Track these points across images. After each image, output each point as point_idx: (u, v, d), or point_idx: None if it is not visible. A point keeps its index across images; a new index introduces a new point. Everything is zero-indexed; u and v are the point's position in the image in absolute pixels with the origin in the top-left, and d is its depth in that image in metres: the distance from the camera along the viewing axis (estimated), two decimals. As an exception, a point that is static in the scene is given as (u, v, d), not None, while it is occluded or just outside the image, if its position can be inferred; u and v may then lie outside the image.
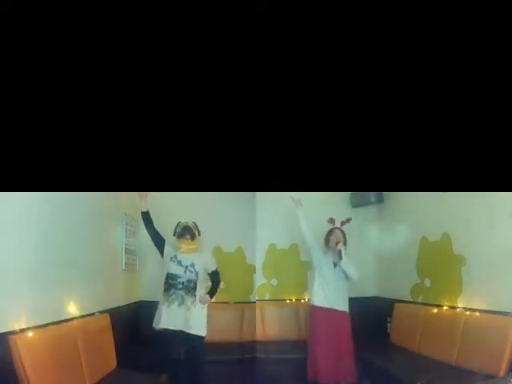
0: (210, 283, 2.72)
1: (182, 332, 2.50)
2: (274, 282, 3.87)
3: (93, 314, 2.44)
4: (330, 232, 3.00)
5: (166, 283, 2.56)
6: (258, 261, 3.84)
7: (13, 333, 1.60)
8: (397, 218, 3.60)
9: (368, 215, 3.94)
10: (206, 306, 2.61)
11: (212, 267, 2.72)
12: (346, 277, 2.87)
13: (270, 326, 3.63)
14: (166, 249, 2.69)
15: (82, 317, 2.22)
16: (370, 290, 3.88)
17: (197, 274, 2.60)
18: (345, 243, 2.91)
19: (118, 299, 3.09)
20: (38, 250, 1.90)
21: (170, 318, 2.50)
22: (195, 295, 2.55)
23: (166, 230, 3.74)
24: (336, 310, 2.83)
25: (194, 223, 2.76)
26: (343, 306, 2.87)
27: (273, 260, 3.88)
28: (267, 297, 3.83)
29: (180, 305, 2.51)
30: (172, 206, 3.78)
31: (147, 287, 3.74)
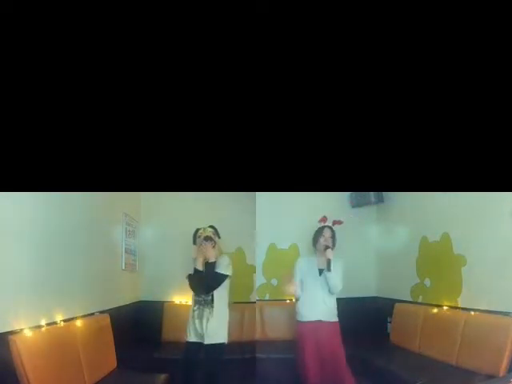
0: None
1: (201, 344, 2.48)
2: (274, 282, 3.87)
3: (93, 314, 2.45)
4: (320, 231, 2.61)
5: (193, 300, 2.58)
6: (258, 261, 3.84)
7: (13, 333, 1.60)
8: (397, 218, 3.59)
9: (368, 215, 3.94)
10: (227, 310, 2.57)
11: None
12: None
13: (269, 325, 3.62)
14: None
15: (82, 317, 2.22)
16: (370, 290, 3.87)
17: None
18: (333, 245, 2.58)
19: (118, 299, 3.09)
20: (38, 250, 1.90)
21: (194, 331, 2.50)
22: (213, 306, 2.48)
23: (162, 229, 3.76)
24: (321, 321, 2.48)
25: (213, 228, 2.69)
26: (329, 316, 2.51)
27: (273, 260, 3.87)
28: (267, 297, 3.83)
29: (201, 318, 2.48)
30: (172, 206, 3.78)
31: (147, 287, 3.75)
